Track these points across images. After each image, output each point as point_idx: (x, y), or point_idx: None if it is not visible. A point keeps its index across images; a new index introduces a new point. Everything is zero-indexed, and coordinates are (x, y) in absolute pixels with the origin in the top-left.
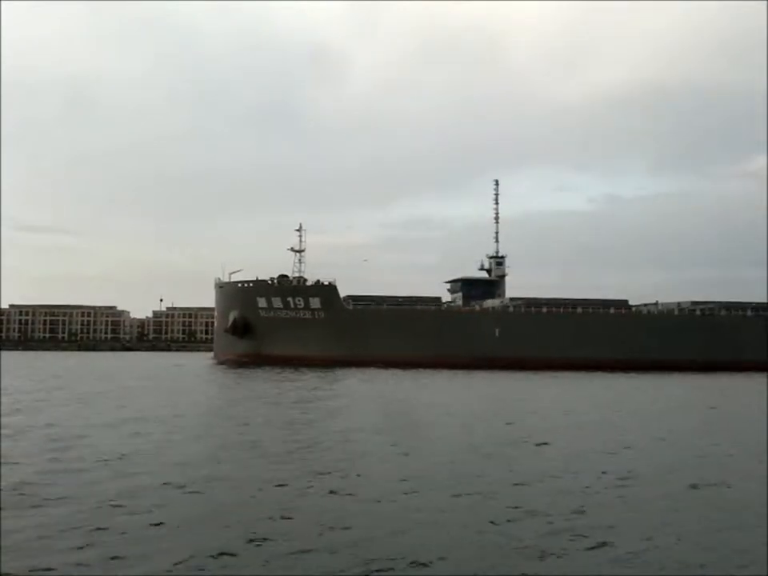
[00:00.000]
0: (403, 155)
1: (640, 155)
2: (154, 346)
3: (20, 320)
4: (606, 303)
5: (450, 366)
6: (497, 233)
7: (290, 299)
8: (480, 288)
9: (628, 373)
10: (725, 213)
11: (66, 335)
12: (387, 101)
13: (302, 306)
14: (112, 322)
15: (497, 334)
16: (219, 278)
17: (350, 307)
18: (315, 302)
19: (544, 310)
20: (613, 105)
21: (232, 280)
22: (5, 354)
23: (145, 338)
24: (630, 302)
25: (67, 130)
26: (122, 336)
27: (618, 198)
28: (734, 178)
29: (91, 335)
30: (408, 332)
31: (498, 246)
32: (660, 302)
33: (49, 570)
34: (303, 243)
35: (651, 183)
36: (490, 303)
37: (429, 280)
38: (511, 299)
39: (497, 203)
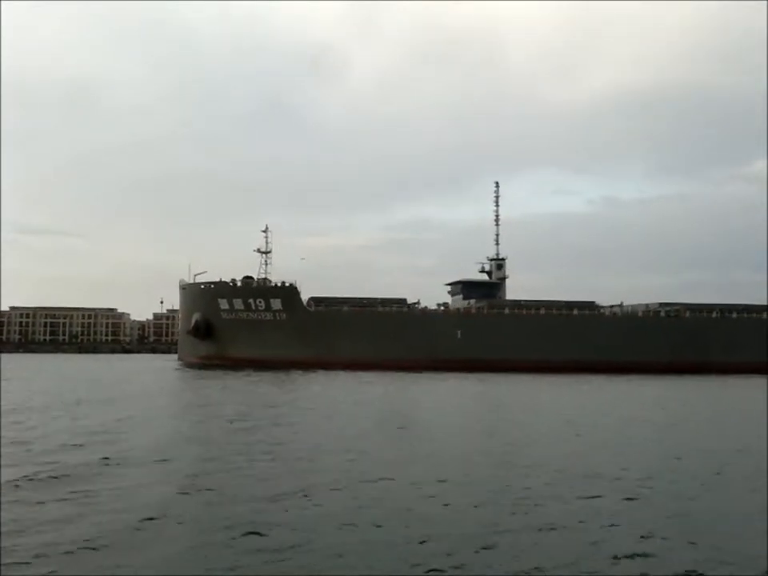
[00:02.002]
0: (403, 156)
1: (639, 157)
2: (154, 349)
3: (20, 322)
4: (570, 305)
5: (412, 368)
6: (497, 235)
7: (251, 301)
8: (480, 290)
9: (590, 375)
10: (724, 216)
11: (66, 337)
12: (386, 102)
13: (263, 307)
14: (112, 324)
15: (459, 336)
16: (183, 279)
17: (312, 309)
18: (276, 304)
19: (506, 311)
20: (612, 106)
21: (196, 281)
22: (7, 356)
23: (145, 341)
24: (598, 304)
25: (67, 131)
26: (122, 338)
27: (617, 201)
28: (733, 181)
29: (92, 337)
30: (370, 334)
31: (498, 249)
32: (626, 303)
33: None
34: (270, 245)
35: (650, 186)
36: (456, 305)
37: (428, 282)
38: (476, 301)
39: (497, 205)
